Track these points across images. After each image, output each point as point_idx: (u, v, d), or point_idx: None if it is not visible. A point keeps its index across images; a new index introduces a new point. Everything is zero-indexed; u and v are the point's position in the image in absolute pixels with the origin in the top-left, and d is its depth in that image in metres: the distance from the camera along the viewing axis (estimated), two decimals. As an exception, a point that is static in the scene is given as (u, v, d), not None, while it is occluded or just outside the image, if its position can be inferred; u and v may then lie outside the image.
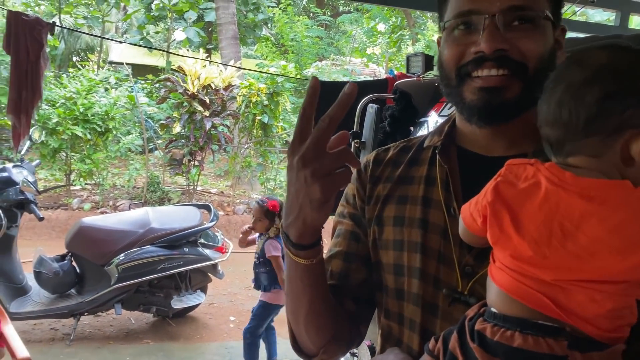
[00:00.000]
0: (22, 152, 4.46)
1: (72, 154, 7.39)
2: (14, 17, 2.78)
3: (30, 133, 4.45)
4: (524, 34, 0.81)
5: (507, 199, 0.69)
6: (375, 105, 2.83)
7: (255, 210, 3.52)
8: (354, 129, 2.97)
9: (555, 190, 0.66)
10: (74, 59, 14.28)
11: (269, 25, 16.40)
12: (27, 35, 2.81)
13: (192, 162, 7.84)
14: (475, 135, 0.90)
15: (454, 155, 0.93)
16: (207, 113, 7.36)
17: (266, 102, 7.65)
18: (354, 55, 15.54)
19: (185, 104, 7.39)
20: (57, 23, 11.57)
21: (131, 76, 9.06)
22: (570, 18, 3.34)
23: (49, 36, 2.96)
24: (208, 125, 7.24)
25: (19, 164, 4.17)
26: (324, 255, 1.01)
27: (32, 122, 3.03)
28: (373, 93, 2.99)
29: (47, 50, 2.95)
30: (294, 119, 9.23)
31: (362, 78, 11.68)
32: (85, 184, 7.87)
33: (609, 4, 3.94)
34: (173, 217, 4.47)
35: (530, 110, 0.79)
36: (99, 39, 13.75)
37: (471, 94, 0.84)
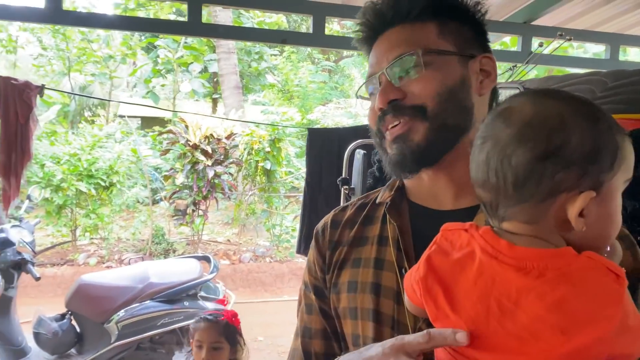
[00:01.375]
0: (21, 212, 4.48)
1: (77, 209, 7.44)
2: (2, 82, 2.84)
3: (29, 192, 4.52)
4: (416, 80, 0.81)
5: (440, 272, 0.63)
6: (362, 151, 2.81)
7: (206, 333, 2.20)
8: (343, 175, 2.95)
9: (489, 262, 0.60)
10: (87, 114, 14.62)
11: (274, 72, 16.73)
12: (17, 98, 2.86)
13: (196, 212, 7.86)
14: (421, 188, 0.88)
15: (404, 211, 0.89)
16: (209, 162, 7.43)
17: (268, 149, 7.72)
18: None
19: (188, 154, 7.48)
20: (68, 81, 11.82)
21: (138, 129, 9.22)
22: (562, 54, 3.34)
23: (41, 97, 3.02)
24: (210, 174, 7.29)
25: (18, 223, 4.18)
26: (298, 329, 0.98)
27: (22, 182, 3.04)
28: (361, 138, 2.97)
29: (37, 111, 3.00)
30: (298, 164, 9.27)
31: (366, 120, 11.75)
32: (91, 238, 7.89)
33: (598, 39, 3.95)
34: (172, 270, 4.41)
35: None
36: (109, 94, 14.12)
37: (389, 149, 0.85)
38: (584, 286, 0.55)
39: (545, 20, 3.85)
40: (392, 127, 0.83)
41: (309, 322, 0.96)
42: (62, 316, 4.12)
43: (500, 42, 6.83)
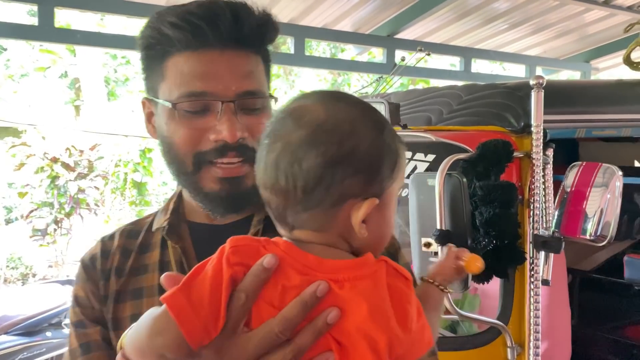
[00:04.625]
0: None
1: None
2: None
3: None
4: (257, 120, 0.81)
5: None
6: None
7: None
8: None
9: (308, 281, 0.57)
10: None
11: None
12: None
13: (59, 230, 7.25)
14: (197, 206, 0.87)
15: (185, 233, 0.88)
16: (71, 176, 6.92)
17: (138, 160, 7.37)
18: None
19: (46, 168, 6.89)
20: None
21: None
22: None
23: None
24: (73, 189, 6.81)
25: None
26: None
27: None
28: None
29: None
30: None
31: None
32: None
33: (453, 52, 4.31)
34: (30, 299, 4.05)
35: None
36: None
37: (212, 183, 0.82)
38: (384, 290, 0.58)
39: (406, 33, 4.12)
40: (229, 164, 0.80)
41: None
42: None
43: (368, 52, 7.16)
